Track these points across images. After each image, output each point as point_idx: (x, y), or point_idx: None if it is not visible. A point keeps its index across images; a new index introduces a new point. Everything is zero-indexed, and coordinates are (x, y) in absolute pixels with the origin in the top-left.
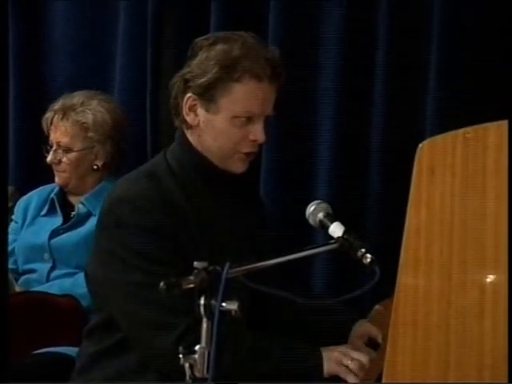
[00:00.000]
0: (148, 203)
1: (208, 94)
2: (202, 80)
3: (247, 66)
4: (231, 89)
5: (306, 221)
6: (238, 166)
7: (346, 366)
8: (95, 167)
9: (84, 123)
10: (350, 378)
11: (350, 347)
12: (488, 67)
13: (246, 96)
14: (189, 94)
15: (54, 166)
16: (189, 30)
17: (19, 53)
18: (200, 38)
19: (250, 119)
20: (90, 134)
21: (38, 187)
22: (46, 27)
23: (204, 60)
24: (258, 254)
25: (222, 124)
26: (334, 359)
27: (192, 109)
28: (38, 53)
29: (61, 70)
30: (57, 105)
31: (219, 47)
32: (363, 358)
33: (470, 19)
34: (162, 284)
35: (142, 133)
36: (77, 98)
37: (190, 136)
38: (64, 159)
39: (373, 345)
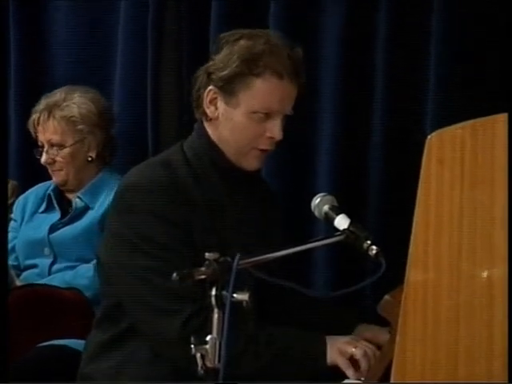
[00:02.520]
0: (160, 190)
1: (228, 87)
2: (223, 73)
3: (269, 62)
4: (251, 84)
5: (308, 214)
6: (251, 164)
7: (349, 356)
8: (89, 159)
9: (71, 117)
10: (349, 372)
11: (354, 338)
12: (490, 58)
13: (266, 92)
14: (210, 87)
15: (49, 167)
16: (191, 22)
17: (20, 48)
18: (225, 34)
19: (268, 116)
20: (79, 127)
21: (38, 183)
22: (46, 23)
23: (227, 54)
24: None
25: (240, 118)
26: (337, 348)
27: (213, 102)
28: (38, 49)
29: (61, 65)
30: (40, 105)
31: (243, 43)
32: (367, 347)
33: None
34: (174, 275)
35: (142, 129)
36: (58, 94)
37: (209, 128)
38: (58, 157)
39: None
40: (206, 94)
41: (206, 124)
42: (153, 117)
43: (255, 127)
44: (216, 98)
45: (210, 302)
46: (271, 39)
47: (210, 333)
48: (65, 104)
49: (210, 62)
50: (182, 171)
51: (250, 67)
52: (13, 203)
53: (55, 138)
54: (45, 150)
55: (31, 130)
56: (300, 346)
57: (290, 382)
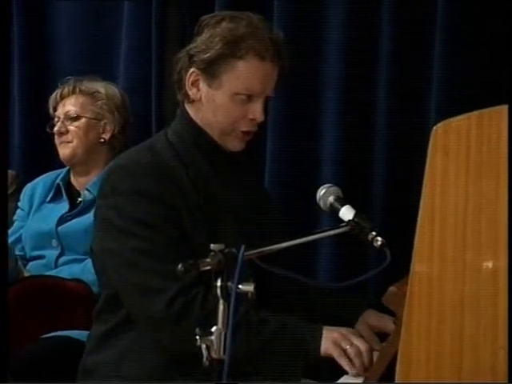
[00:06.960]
0: (143, 169)
1: (211, 70)
2: (206, 55)
3: (251, 44)
4: (234, 65)
5: (312, 206)
6: (235, 144)
7: (344, 350)
8: (102, 140)
9: (96, 92)
10: (343, 362)
11: (352, 331)
12: (494, 49)
13: (248, 74)
14: (192, 69)
15: (59, 139)
16: (193, 14)
17: (24, 39)
18: (206, 16)
19: (250, 97)
20: (100, 102)
21: (42, 173)
22: (50, 13)
23: (209, 37)
24: (256, 228)
25: (222, 100)
26: (332, 339)
27: (195, 83)
28: (42, 39)
29: (65, 56)
30: (67, 82)
31: (225, 25)
32: (362, 345)
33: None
34: (179, 266)
35: (146, 120)
36: (85, 79)
37: (191, 110)
38: (72, 126)
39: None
40: (188, 76)
41: (187, 106)
42: (157, 111)
43: (237, 109)
44: (198, 80)
45: (216, 292)
46: (253, 21)
47: (216, 323)
48: (91, 82)
49: (192, 44)
50: (167, 154)
51: (232, 49)
52: (12, 193)
53: (74, 110)
54: (60, 120)
55: (50, 105)
56: (292, 332)
57: (290, 382)
